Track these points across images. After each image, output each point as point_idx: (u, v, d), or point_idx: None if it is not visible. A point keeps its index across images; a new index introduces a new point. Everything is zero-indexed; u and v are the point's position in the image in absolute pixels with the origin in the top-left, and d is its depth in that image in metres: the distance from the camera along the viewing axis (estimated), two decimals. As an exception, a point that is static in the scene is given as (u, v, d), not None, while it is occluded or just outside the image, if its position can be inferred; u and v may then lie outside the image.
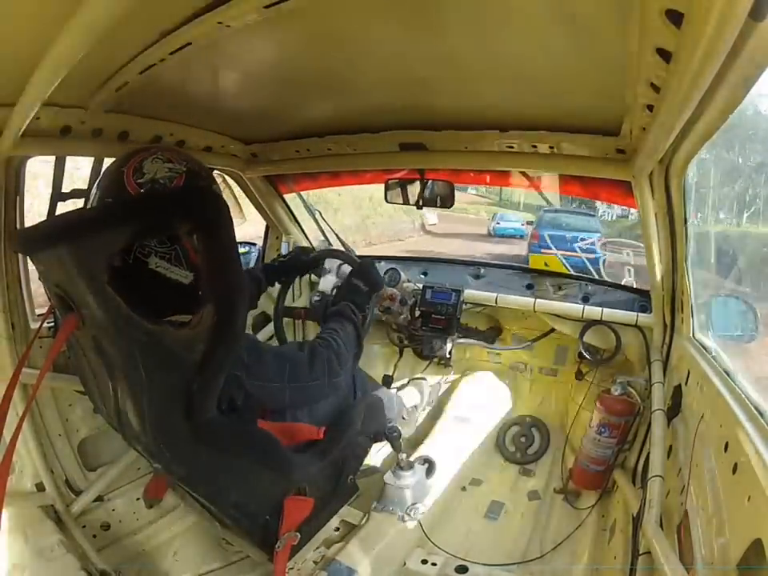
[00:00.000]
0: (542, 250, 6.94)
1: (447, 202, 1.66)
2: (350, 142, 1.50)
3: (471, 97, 1.13)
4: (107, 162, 1.37)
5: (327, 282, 1.91)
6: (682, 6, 0.48)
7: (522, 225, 13.48)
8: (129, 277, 0.84)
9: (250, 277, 1.40)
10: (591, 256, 6.22)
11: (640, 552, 0.98)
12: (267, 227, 2.14)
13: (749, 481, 0.71)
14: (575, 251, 6.44)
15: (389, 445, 1.46)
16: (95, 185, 0.95)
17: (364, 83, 1.11)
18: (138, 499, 1.52)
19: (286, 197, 2.04)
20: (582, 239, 6.79)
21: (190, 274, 0.94)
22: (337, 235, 2.36)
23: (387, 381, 2.03)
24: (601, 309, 1.69)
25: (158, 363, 0.86)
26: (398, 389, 2.06)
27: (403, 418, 1.79)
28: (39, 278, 0.99)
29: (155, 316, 0.84)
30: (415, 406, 2.01)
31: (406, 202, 1.72)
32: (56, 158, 1.27)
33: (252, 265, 2.16)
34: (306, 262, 1.58)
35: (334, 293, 1.79)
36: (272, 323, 1.90)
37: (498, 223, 14.95)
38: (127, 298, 0.81)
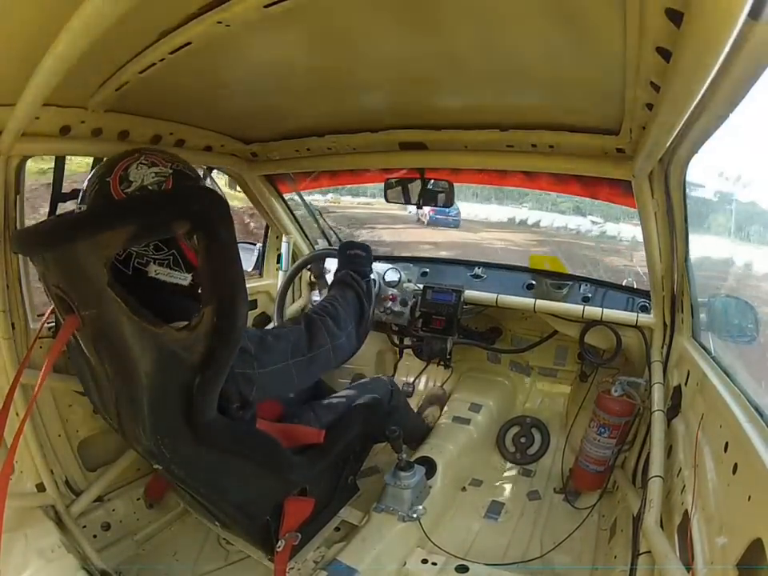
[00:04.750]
0: (437, 217, 12.50)
1: (447, 201, 1.66)
2: (350, 141, 1.50)
3: (471, 96, 1.13)
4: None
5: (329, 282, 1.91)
6: (682, 5, 0.48)
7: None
8: (130, 287, 0.84)
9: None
10: (456, 219, 13.10)
11: (640, 552, 0.98)
12: (267, 227, 2.14)
13: (749, 481, 0.71)
14: (448, 216, 12.60)
15: (389, 445, 1.46)
16: (80, 197, 0.94)
17: (364, 82, 1.11)
18: (138, 499, 1.52)
19: (286, 196, 2.04)
20: (450, 212, 12.62)
21: (188, 275, 0.94)
22: (336, 234, 2.36)
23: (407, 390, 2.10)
24: (601, 309, 1.68)
25: (158, 364, 0.86)
26: (422, 405, 2.09)
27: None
28: (39, 279, 0.99)
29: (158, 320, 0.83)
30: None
31: (406, 201, 1.72)
32: (56, 157, 1.28)
33: (252, 264, 2.15)
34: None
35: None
36: (272, 323, 1.90)
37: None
38: (129, 301, 0.81)
